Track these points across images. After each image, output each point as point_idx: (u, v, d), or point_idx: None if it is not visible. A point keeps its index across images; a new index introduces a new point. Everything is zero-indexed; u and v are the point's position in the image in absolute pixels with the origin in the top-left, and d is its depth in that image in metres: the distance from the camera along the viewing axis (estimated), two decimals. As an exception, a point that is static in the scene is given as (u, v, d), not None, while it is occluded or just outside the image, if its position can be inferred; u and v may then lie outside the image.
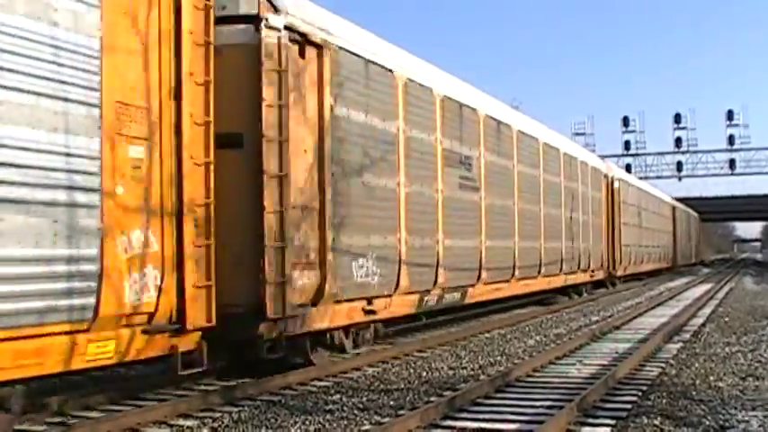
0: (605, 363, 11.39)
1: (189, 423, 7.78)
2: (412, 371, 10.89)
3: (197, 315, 7.90)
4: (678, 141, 62.94)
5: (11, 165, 6.27)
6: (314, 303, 10.07)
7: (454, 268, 14.49)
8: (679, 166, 63.84)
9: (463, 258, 14.99)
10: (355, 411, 8.19)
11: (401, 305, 12.48)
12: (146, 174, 7.49)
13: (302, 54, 9.93)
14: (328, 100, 10.35)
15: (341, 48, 10.75)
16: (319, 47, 10.21)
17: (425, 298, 13.44)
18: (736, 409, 8.19)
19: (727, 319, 18.30)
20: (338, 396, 9.04)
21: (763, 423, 7.55)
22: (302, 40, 9.91)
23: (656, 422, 7.55)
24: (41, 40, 6.56)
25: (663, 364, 11.15)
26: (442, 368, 11.13)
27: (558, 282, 22.04)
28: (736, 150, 61.65)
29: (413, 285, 12.75)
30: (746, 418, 7.75)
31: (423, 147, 13.29)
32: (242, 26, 9.27)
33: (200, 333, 8.08)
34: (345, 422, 7.68)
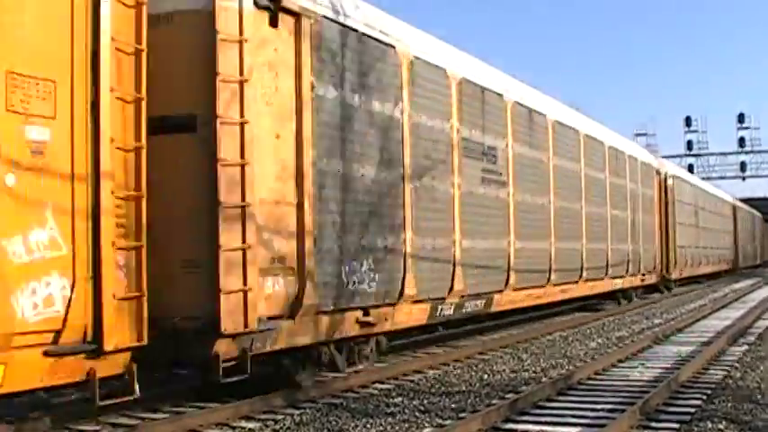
0: (668, 366, 11.12)
1: (251, 425, 7.79)
2: (473, 373, 10.82)
3: (121, 333, 6.48)
4: (742, 141, 60.11)
5: None
6: (291, 315, 8.58)
7: (475, 273, 12.86)
8: (743, 166, 60.98)
9: (486, 262, 13.33)
10: (416, 414, 8.15)
11: (407, 315, 10.90)
12: (51, 161, 6.09)
13: (274, 23, 8.45)
14: (308, 78, 8.85)
15: (326, 18, 9.25)
16: (296, 15, 8.72)
17: (440, 307, 11.83)
18: (803, 413, 7.79)
19: (794, 321, 17.18)
20: (400, 398, 9.00)
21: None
22: (274, 7, 8.43)
23: (721, 426, 7.38)
24: None
25: (727, 368, 10.86)
26: (504, 370, 11.04)
27: (603, 286, 20.12)
28: (802, 149, 58.39)
29: (422, 293, 11.16)
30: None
31: (433, 135, 11.69)
32: (195, -12, 7.86)
33: (128, 354, 6.65)
34: (407, 425, 7.66)
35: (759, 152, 60.52)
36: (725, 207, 44.99)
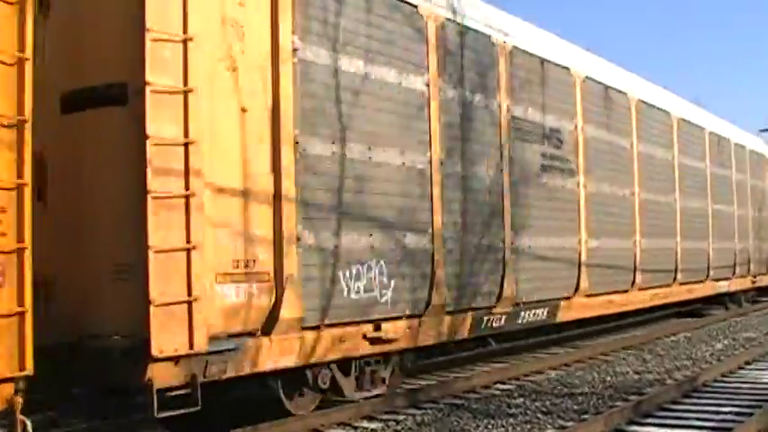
0: (802, 369, 10.55)
1: (373, 425, 7.82)
2: (596, 374, 10.63)
3: (-5, 360, 4.97)
4: None
5: None
6: (266, 332, 6.93)
7: (532, 276, 10.87)
8: None
9: (548, 263, 11.31)
10: (538, 415, 8.05)
11: (438, 329, 9.05)
12: None
13: (239, -32, 6.84)
14: (287, 36, 7.17)
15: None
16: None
17: (485, 318, 9.92)
18: None
19: None
20: (521, 399, 8.93)
21: None
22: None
23: None
24: None
25: None
26: (627, 372, 10.83)
27: (704, 290, 17.54)
28: None
29: (458, 301, 9.31)
30: None
31: (473, 112, 9.80)
32: None
33: (10, 386, 5.15)
34: (528, 426, 7.59)
35: None
36: None
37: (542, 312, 11.29)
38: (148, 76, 6.00)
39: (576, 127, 12.30)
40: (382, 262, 8.13)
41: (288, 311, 6.99)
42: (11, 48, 5.21)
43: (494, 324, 10.13)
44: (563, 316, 11.95)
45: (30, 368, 5.14)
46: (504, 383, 9.95)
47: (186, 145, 6.19)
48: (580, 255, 12.12)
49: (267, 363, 6.92)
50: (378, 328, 8.06)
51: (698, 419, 7.69)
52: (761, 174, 22.32)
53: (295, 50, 7.24)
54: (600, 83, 13.22)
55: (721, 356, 11.98)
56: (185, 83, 6.22)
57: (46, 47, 6.36)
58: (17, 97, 5.22)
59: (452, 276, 9.15)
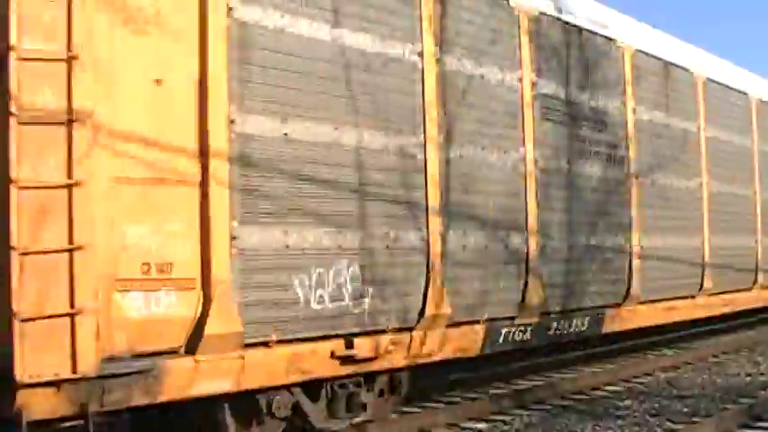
0: None
1: (480, 426, 7.82)
2: (705, 377, 10.51)
3: None
4: None
5: None
6: (190, 350, 5.72)
7: (568, 281, 9.34)
8: None
9: (589, 265, 9.74)
10: (647, 417, 7.96)
11: (439, 344, 7.64)
12: None
13: None
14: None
15: None
16: None
17: (503, 330, 8.45)
18: None
19: None
20: (629, 401, 8.85)
21: None
22: None
23: None
24: None
25: None
26: (738, 374, 10.67)
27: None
28: None
29: (466, 310, 7.89)
30: None
31: (488, 90, 8.36)
32: None
33: None
34: (637, 428, 7.51)
35: None
36: None
37: (582, 321, 9.71)
38: (12, 39, 4.88)
39: (627, 108, 10.67)
40: (356, 265, 6.81)
41: (218, 325, 5.76)
42: None
43: (513, 337, 8.64)
44: (615, 324, 10.35)
45: None
46: (612, 385, 9.95)
47: (69, 123, 5.05)
48: (629, 256, 10.47)
49: (193, 387, 5.71)
50: (349, 345, 6.73)
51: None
52: None
53: (230, 9, 6.01)
54: (657, 58, 11.50)
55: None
56: (69, 47, 5.08)
57: None
58: None
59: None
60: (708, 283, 12.17)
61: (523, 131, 8.76)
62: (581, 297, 9.59)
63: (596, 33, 10.19)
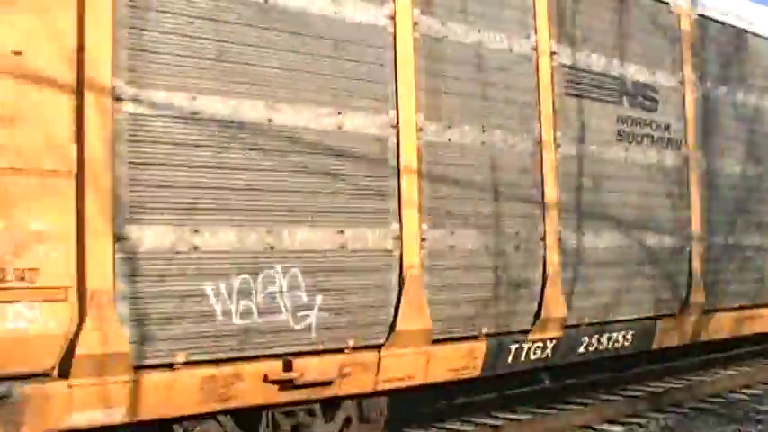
0: None
1: (615, 428, 7.73)
2: None
3: None
4: None
5: None
6: (63, 373, 4.76)
7: (603, 287, 7.90)
8: None
9: (635, 268, 8.24)
10: None
11: (416, 364, 6.39)
12: None
13: None
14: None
15: None
16: None
17: (511, 347, 7.11)
18: None
19: None
20: None
21: None
22: None
23: None
24: None
25: None
26: None
27: None
28: None
29: (466, 323, 6.67)
30: None
31: (495, 59, 7.06)
32: None
33: None
34: None
35: None
36: None
37: (622, 335, 8.23)
38: None
39: (682, 80, 9.04)
40: (296, 270, 5.68)
41: (98, 344, 4.77)
42: None
43: (524, 355, 7.28)
44: (667, 338, 8.79)
45: None
46: (749, 387, 9.65)
47: None
48: (689, 256, 8.87)
49: (67, 418, 4.74)
50: (288, 367, 5.61)
51: None
52: None
53: (119, -35, 5.02)
54: (726, 24, 9.76)
55: None
56: None
57: None
58: None
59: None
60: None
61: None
62: (622, 306, 8.11)
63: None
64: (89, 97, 4.83)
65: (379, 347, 6.14)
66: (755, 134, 9.92)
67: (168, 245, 5.11)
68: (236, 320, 5.38)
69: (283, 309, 5.60)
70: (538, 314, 7.26)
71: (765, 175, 9.96)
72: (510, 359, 7.17)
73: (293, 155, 5.71)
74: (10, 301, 4.57)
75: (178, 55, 5.22)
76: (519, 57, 7.30)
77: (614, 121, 8.23)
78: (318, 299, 5.77)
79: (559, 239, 7.48)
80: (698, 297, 8.86)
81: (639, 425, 7.80)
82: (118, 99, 4.96)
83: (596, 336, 7.91)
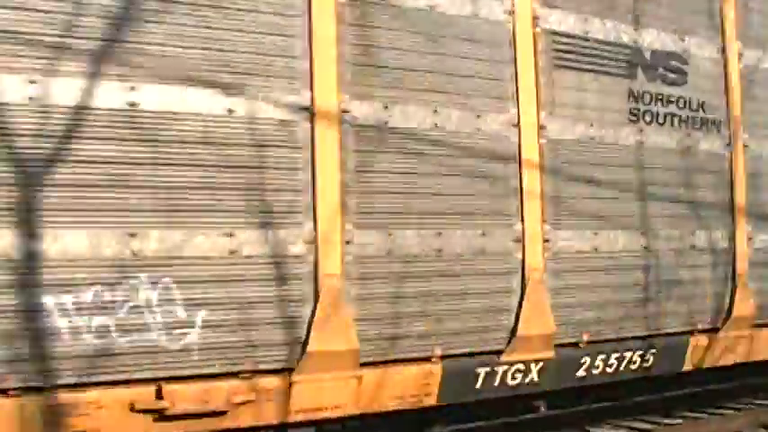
0: None
1: None
2: None
3: None
4: None
5: None
6: None
7: (622, 298, 6.63)
8: None
9: (646, 274, 6.89)
10: None
11: (344, 394, 5.37)
12: None
13: None
14: None
15: None
16: None
17: (481, 370, 5.95)
18: None
19: None
20: None
21: None
22: None
23: None
24: None
25: None
26: None
27: None
28: None
29: (414, 342, 5.60)
30: None
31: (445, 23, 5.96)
32: None
33: None
34: None
35: None
36: None
37: (639, 355, 6.88)
38: None
39: (722, 47, 7.55)
40: (167, 279, 4.79)
41: None
42: None
43: (498, 381, 6.09)
44: (700, 356, 7.37)
45: None
46: None
47: None
48: (736, 252, 7.38)
49: None
50: (159, 395, 4.73)
51: None
52: None
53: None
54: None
55: None
56: None
57: None
58: None
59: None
60: None
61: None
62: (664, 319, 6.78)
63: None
64: None
65: (285, 372, 5.17)
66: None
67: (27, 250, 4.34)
68: (90, 340, 4.56)
69: (153, 326, 4.73)
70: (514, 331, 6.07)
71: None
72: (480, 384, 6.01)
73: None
74: None
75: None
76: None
77: (625, 99, 6.89)
78: (200, 313, 4.87)
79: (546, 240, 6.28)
80: (744, 308, 7.36)
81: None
82: None
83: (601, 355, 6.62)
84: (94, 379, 4.59)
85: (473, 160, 5.89)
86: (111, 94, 4.68)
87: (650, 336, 6.90)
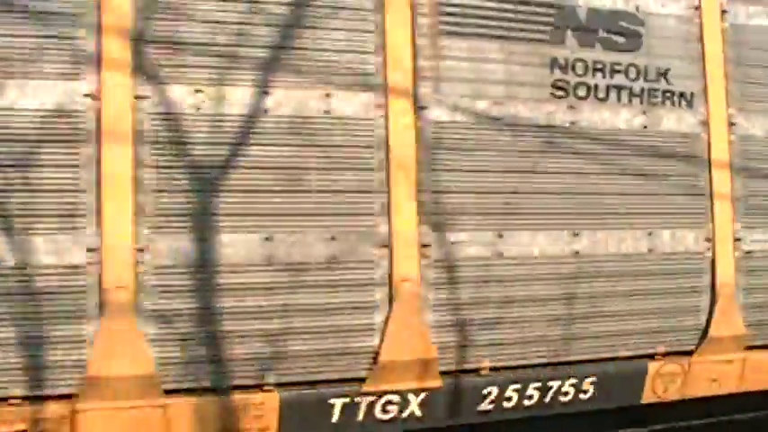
0: None
1: None
2: None
3: None
4: None
5: None
6: None
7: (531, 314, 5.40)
8: None
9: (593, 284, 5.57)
10: None
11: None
12: None
13: None
14: None
15: None
16: None
17: (361, 403, 4.91)
18: None
19: None
20: None
21: None
22: None
23: None
24: None
25: None
26: None
27: None
28: None
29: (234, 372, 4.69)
30: None
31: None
32: None
33: None
34: None
35: None
36: None
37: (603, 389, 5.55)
38: None
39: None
40: None
41: None
42: None
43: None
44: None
45: None
46: None
47: None
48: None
49: None
50: None
51: None
52: None
53: None
54: None
55: None
56: None
57: None
58: None
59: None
60: None
61: None
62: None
63: None
64: None
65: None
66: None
67: None
68: None
69: None
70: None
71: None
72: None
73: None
74: None
75: None
76: None
77: (546, 70, 5.61)
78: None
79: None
80: (726, 327, 5.85)
81: None
82: None
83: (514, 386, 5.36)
84: None
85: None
86: None
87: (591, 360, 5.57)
